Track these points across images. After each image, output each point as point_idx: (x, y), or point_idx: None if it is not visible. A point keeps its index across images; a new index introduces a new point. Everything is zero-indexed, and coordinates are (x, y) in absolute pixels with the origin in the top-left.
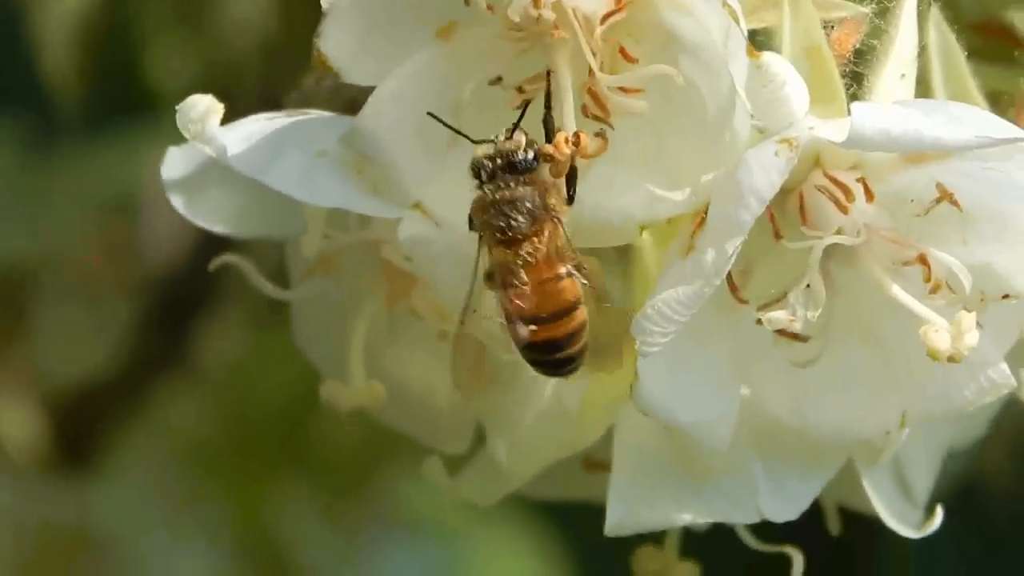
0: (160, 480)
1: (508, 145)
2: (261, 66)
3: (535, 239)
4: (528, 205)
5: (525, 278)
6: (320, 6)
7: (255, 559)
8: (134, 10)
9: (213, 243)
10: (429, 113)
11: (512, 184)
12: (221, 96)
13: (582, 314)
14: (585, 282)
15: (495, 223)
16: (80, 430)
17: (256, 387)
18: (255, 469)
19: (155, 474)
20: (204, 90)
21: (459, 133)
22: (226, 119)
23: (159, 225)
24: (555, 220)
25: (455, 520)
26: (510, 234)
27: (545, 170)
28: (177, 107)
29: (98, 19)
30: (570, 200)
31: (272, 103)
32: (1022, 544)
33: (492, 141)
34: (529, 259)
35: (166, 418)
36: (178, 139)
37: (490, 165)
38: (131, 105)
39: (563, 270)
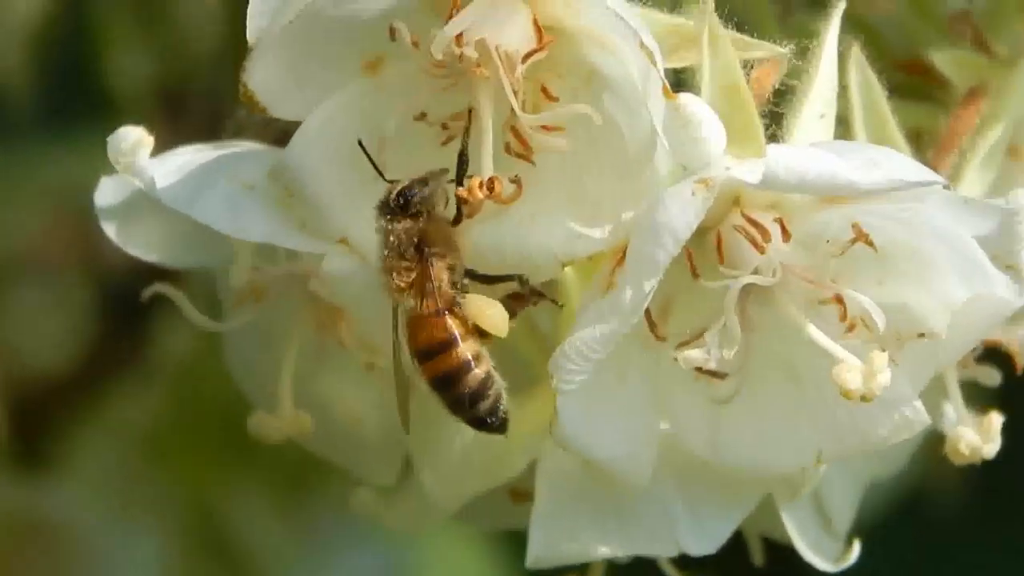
0: (114, 472)
1: (391, 187)
2: (217, 68)
3: (404, 270)
4: (402, 237)
5: (412, 316)
6: None
7: (207, 551)
8: (90, 13)
9: None
10: (359, 142)
11: (390, 219)
12: (176, 97)
13: (460, 354)
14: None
15: (379, 250)
16: (35, 422)
17: (210, 381)
18: (208, 462)
19: (109, 466)
20: (159, 90)
21: (377, 170)
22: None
23: None
24: (429, 257)
25: None
26: (384, 261)
27: (433, 206)
28: (108, 139)
29: (53, 23)
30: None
31: (227, 105)
32: (966, 560)
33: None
34: (400, 284)
35: (120, 410)
36: None
37: (379, 201)
38: (88, 106)
39: (437, 308)
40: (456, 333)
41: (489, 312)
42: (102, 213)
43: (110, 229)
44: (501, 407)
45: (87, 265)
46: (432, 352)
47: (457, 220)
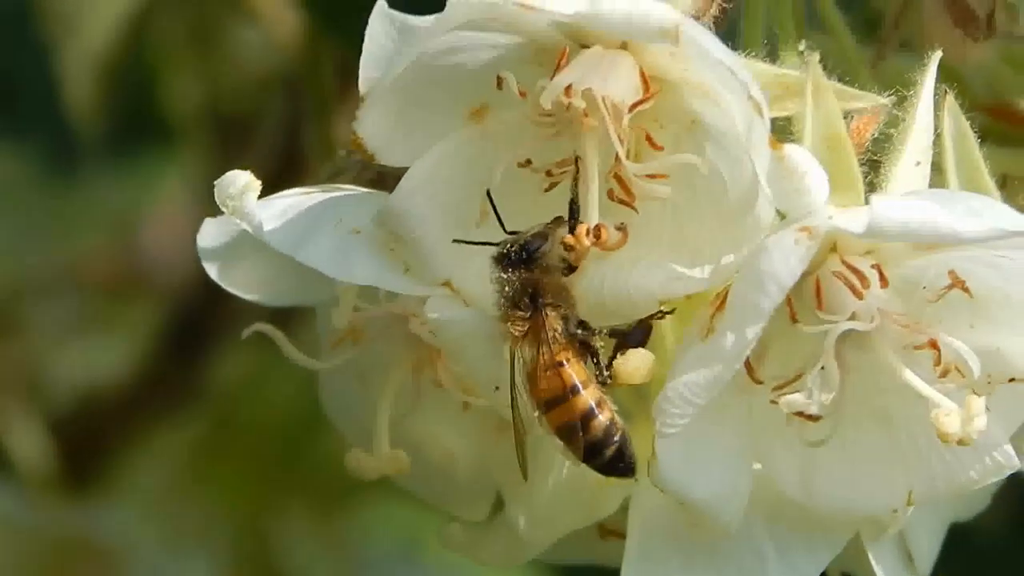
0: (163, 495)
1: (512, 239)
2: (274, 96)
3: (519, 320)
4: (517, 288)
5: (532, 366)
6: (333, 38)
7: (255, 573)
8: (151, 42)
9: None
10: (487, 193)
11: (507, 270)
12: (231, 124)
13: (582, 403)
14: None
15: (496, 300)
16: (85, 446)
17: (258, 405)
18: (256, 485)
19: (158, 489)
20: (216, 118)
21: (500, 222)
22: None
23: (169, 246)
24: (543, 308)
25: None
26: (501, 311)
27: (551, 258)
28: (215, 182)
29: (118, 53)
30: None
31: (284, 135)
32: None
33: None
34: (516, 334)
35: (170, 434)
36: (189, 166)
37: (496, 253)
38: (146, 132)
39: (554, 358)
40: (577, 382)
41: (641, 366)
42: (204, 254)
43: (212, 269)
44: (628, 451)
45: (139, 289)
46: (554, 401)
47: (572, 269)
